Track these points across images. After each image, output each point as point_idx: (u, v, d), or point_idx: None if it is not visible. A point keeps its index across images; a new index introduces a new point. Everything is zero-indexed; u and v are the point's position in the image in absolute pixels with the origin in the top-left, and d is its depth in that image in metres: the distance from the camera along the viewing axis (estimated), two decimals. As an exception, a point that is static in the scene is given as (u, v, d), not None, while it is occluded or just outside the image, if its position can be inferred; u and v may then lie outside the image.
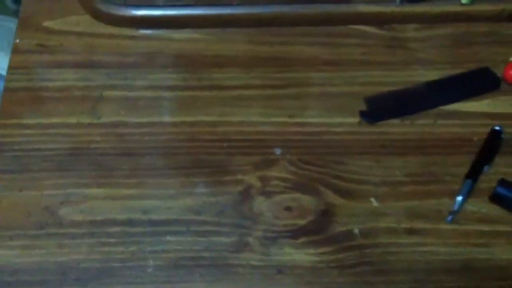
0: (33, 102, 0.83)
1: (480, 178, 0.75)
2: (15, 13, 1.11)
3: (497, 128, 0.78)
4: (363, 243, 0.71)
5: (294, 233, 0.71)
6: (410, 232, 0.72)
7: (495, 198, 0.73)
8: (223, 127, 0.80)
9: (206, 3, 0.91)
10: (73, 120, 0.81)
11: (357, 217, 0.73)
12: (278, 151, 0.78)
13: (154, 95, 0.85)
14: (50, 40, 0.90)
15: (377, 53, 0.88)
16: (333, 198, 0.74)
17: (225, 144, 0.79)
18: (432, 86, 0.84)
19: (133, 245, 0.70)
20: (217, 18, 0.91)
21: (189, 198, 0.74)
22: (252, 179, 0.75)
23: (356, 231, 0.71)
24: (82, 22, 0.92)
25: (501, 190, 0.72)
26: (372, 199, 0.74)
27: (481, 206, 0.73)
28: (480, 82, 0.84)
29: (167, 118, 0.82)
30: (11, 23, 1.14)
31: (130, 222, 0.71)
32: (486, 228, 0.72)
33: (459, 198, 0.73)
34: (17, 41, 0.89)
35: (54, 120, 0.81)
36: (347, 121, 0.81)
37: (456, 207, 0.73)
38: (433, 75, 0.85)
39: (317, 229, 0.72)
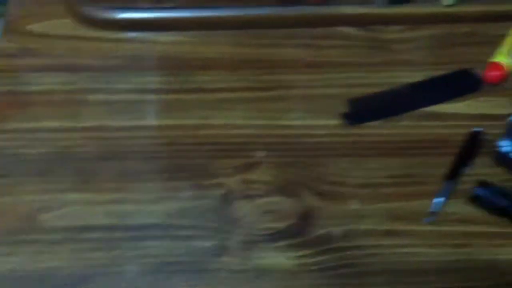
0: (16, 106, 0.83)
1: (460, 179, 0.75)
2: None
3: (477, 129, 0.79)
4: (344, 245, 0.71)
5: (274, 237, 0.72)
6: (391, 233, 0.72)
7: (475, 199, 0.73)
8: (206, 130, 0.81)
9: (190, 5, 0.91)
10: (55, 124, 0.81)
11: (337, 219, 0.73)
12: (259, 154, 0.78)
13: (137, 98, 0.85)
14: (34, 43, 0.90)
15: (360, 54, 0.88)
16: (314, 200, 0.74)
17: (207, 148, 0.79)
18: (414, 87, 0.84)
19: (113, 250, 0.70)
20: (201, 20, 0.91)
21: (170, 203, 0.74)
22: (233, 182, 0.75)
23: (335, 233, 0.72)
24: (66, 25, 0.92)
25: (480, 191, 0.73)
26: (353, 201, 0.74)
27: (461, 207, 0.74)
28: (462, 84, 0.85)
29: (149, 122, 0.82)
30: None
31: (110, 228, 0.71)
32: (465, 229, 0.72)
33: (439, 200, 0.73)
34: (1, 44, 0.89)
35: (36, 124, 0.81)
36: (329, 123, 0.81)
37: (436, 208, 0.73)
38: (415, 76, 0.85)
39: (298, 232, 0.72)
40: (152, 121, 0.82)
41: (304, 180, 0.76)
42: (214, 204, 0.74)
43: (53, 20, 0.92)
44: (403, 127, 0.81)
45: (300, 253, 0.70)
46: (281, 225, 0.72)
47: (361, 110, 0.82)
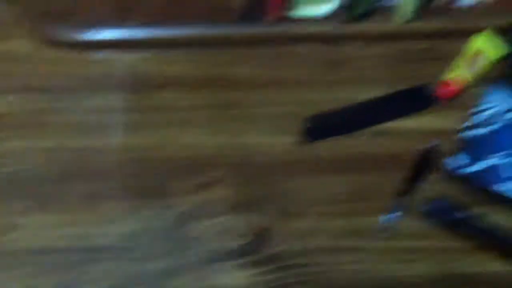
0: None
1: (413, 195, 0.77)
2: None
3: (430, 145, 0.81)
4: (299, 262, 0.73)
5: (231, 255, 0.73)
6: (345, 250, 0.74)
7: (426, 215, 0.75)
8: (164, 149, 0.82)
9: (151, 25, 0.92)
10: (15, 143, 0.82)
11: (293, 236, 0.74)
12: (214, 173, 0.79)
13: (98, 118, 0.85)
14: (-5, 64, 0.90)
15: (318, 72, 0.89)
16: (269, 218, 0.76)
17: (164, 167, 0.80)
18: (370, 104, 0.86)
19: (68, 273, 0.70)
20: (162, 39, 0.92)
21: (126, 224, 0.75)
22: (189, 202, 0.77)
23: (289, 250, 0.73)
24: (28, 45, 0.92)
25: (432, 207, 0.75)
26: (308, 218, 0.76)
27: (413, 222, 0.75)
28: (416, 100, 0.86)
29: (108, 142, 0.83)
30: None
31: (66, 250, 0.72)
32: (418, 244, 0.74)
33: (392, 215, 0.75)
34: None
35: (-4, 145, 0.82)
36: (287, 141, 0.83)
37: (389, 224, 0.74)
38: (372, 93, 0.87)
39: (253, 250, 0.73)
40: (111, 141, 0.83)
41: (260, 198, 0.77)
42: (169, 224, 0.75)
43: (15, 40, 0.92)
44: (358, 144, 0.82)
45: (256, 271, 0.72)
46: (236, 243, 0.74)
47: (319, 128, 0.84)
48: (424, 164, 0.79)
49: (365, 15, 0.90)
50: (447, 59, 0.89)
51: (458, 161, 0.79)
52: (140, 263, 0.71)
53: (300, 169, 0.80)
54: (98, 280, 0.70)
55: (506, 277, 0.73)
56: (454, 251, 0.74)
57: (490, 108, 0.84)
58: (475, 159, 0.79)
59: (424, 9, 0.91)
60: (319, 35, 0.91)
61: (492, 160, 0.79)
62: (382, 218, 0.75)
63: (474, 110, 0.84)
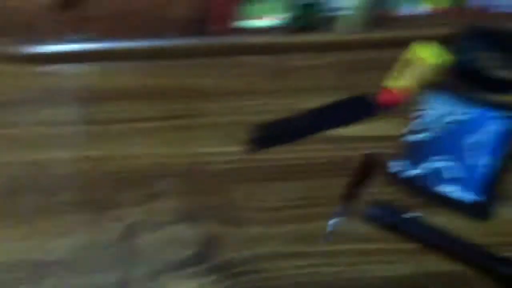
0: None
1: (356, 200, 0.79)
2: None
3: (372, 151, 0.83)
4: (248, 269, 0.74)
5: (179, 265, 0.73)
6: (292, 255, 0.75)
7: (369, 218, 0.77)
8: (113, 161, 0.82)
9: (102, 37, 0.93)
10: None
11: (242, 244, 0.75)
12: (161, 184, 0.80)
13: (47, 131, 0.86)
14: None
15: (266, 82, 0.92)
16: (218, 227, 0.77)
17: (113, 179, 0.80)
18: (316, 113, 0.88)
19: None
20: (113, 52, 0.93)
21: (74, 237, 0.75)
22: (135, 214, 0.77)
23: (237, 258, 0.74)
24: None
25: (374, 211, 0.77)
26: (257, 225, 0.77)
27: (357, 226, 0.77)
28: (360, 108, 0.89)
29: (58, 155, 0.83)
30: None
31: (13, 265, 0.71)
32: (362, 247, 0.76)
33: (336, 220, 0.77)
34: None
35: None
36: (235, 150, 0.84)
37: (333, 228, 0.76)
38: (317, 102, 0.89)
39: (202, 259, 0.74)
40: (61, 154, 0.83)
41: (207, 207, 0.78)
42: (119, 236, 0.75)
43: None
44: (304, 151, 0.84)
45: (207, 280, 0.72)
46: (186, 253, 0.74)
47: (266, 136, 0.85)
48: (368, 169, 0.82)
49: (310, 26, 0.93)
50: (390, 67, 0.92)
51: (400, 165, 0.82)
52: (89, 276, 0.71)
53: (248, 177, 0.81)
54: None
55: (450, 276, 0.75)
56: (400, 252, 0.76)
57: (431, 113, 0.87)
58: (417, 163, 0.82)
59: (368, 20, 0.94)
60: (266, 46, 0.94)
61: (434, 163, 0.82)
62: (329, 223, 0.77)
63: (415, 116, 0.87)
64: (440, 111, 0.87)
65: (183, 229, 0.76)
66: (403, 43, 0.93)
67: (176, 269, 0.73)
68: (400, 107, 0.88)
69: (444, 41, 0.93)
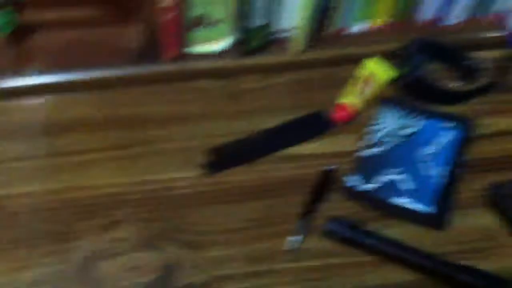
0: None
1: (314, 216, 0.80)
2: None
3: (328, 167, 0.84)
4: (209, 291, 0.74)
5: (139, 292, 0.73)
6: (250, 275, 0.75)
7: (328, 233, 0.78)
8: (68, 193, 0.82)
9: (50, 70, 0.92)
10: None
11: (201, 267, 0.76)
12: (119, 212, 0.80)
13: (3, 167, 0.85)
14: None
15: (218, 105, 0.92)
16: (175, 252, 0.77)
17: (70, 211, 0.80)
18: (270, 133, 0.89)
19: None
20: (63, 84, 0.93)
21: (33, 270, 0.74)
22: (93, 243, 0.77)
23: (197, 281, 0.74)
24: None
25: (332, 226, 0.78)
26: (215, 248, 0.77)
27: (316, 242, 0.78)
28: (314, 125, 0.90)
29: (12, 189, 0.82)
30: None
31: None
32: (322, 262, 0.77)
33: (295, 238, 0.77)
34: None
35: None
36: (191, 175, 0.84)
37: (293, 246, 0.77)
38: (271, 122, 0.90)
39: (162, 285, 0.74)
40: (15, 189, 0.83)
41: (167, 232, 0.78)
42: (77, 266, 0.75)
43: None
44: (261, 171, 0.85)
45: (166, 305, 0.73)
46: (145, 279, 0.74)
47: (221, 159, 0.86)
48: (324, 185, 0.83)
49: (260, 49, 0.94)
50: (341, 84, 0.94)
51: (356, 180, 0.83)
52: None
53: (206, 200, 0.82)
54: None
55: (410, 286, 0.76)
56: (359, 266, 0.77)
57: (383, 127, 0.88)
58: (371, 177, 0.83)
59: (317, 39, 0.96)
60: (217, 70, 0.95)
61: (388, 176, 0.83)
62: (288, 241, 0.77)
63: (368, 130, 0.88)
64: (392, 124, 0.89)
65: (143, 255, 0.76)
66: (354, 60, 0.95)
67: (136, 297, 0.73)
68: (354, 122, 0.90)
69: (393, 55, 0.95)
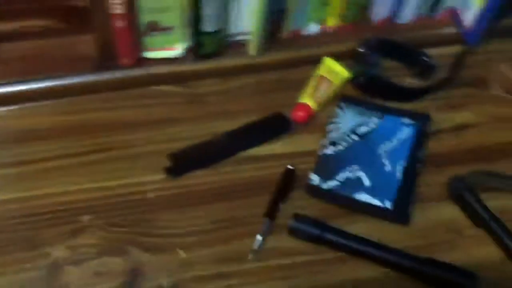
0: None
1: (278, 215, 0.80)
2: None
3: (289, 166, 0.84)
4: (177, 294, 0.73)
5: (106, 297, 0.72)
6: (218, 277, 0.75)
7: (292, 232, 0.78)
8: (31, 201, 0.81)
9: (12, 80, 0.91)
10: None
11: (166, 270, 0.75)
12: (85, 218, 0.79)
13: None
14: None
15: (178, 110, 0.92)
16: (141, 255, 0.76)
17: (33, 219, 0.79)
18: (231, 135, 0.89)
19: None
20: (24, 94, 0.92)
21: (2, 279, 0.73)
22: (60, 250, 0.76)
23: (164, 284, 0.74)
24: None
25: (296, 224, 0.78)
26: (180, 251, 0.77)
27: (282, 241, 0.78)
28: (275, 126, 0.91)
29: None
30: None
31: None
32: (289, 261, 0.77)
33: (259, 237, 0.77)
34: None
35: None
36: (152, 179, 0.84)
37: (257, 246, 0.77)
38: (232, 124, 0.90)
39: (130, 288, 0.73)
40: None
41: (131, 237, 0.78)
42: (43, 274, 0.74)
43: None
44: (223, 173, 0.85)
45: (133, 309, 0.72)
46: (111, 284, 0.74)
47: (183, 163, 0.86)
48: (288, 184, 0.83)
49: (216, 53, 0.94)
50: (299, 85, 0.95)
51: (317, 178, 0.84)
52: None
53: (171, 204, 0.81)
54: None
55: (377, 281, 0.77)
56: (326, 263, 0.77)
57: (342, 126, 0.89)
58: (334, 174, 0.84)
59: (272, 41, 0.97)
60: (176, 74, 0.95)
61: (350, 173, 0.84)
62: (254, 241, 0.77)
63: (329, 129, 0.89)
64: (351, 122, 0.90)
65: (106, 262, 0.75)
66: (310, 61, 0.97)
67: (103, 303, 0.72)
68: (315, 122, 0.91)
69: (350, 55, 0.96)
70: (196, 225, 0.80)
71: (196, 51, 0.93)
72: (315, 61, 0.96)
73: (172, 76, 0.94)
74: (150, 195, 0.82)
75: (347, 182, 0.84)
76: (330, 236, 0.77)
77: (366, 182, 0.84)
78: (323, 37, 0.99)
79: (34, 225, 0.78)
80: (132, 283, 0.74)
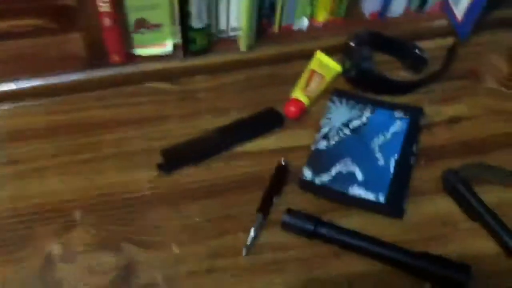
0: None
1: (271, 210, 0.80)
2: None
3: (282, 162, 0.84)
4: (170, 288, 0.73)
5: (101, 292, 0.72)
6: (211, 271, 0.75)
7: (285, 226, 0.78)
8: (23, 200, 0.80)
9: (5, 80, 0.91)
10: None
11: (159, 266, 0.75)
12: (78, 215, 0.79)
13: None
14: None
15: (170, 107, 0.92)
16: (135, 252, 0.76)
17: (25, 218, 0.78)
18: (223, 131, 0.89)
19: None
20: (11, 93, 0.91)
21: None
22: (53, 247, 0.76)
23: (158, 279, 0.73)
24: None
25: (288, 219, 0.77)
26: (173, 247, 0.76)
27: (275, 235, 0.78)
28: (266, 121, 0.90)
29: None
30: None
31: None
32: (281, 256, 0.77)
33: (252, 232, 0.77)
34: None
35: None
36: (145, 176, 0.83)
37: (250, 241, 0.77)
38: (224, 120, 0.90)
39: (122, 284, 0.73)
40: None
41: (124, 233, 0.77)
42: (36, 271, 0.74)
43: None
44: (216, 169, 0.85)
45: (126, 305, 0.71)
46: (105, 280, 0.73)
47: (175, 159, 0.85)
48: (281, 178, 0.83)
49: (205, 49, 0.94)
50: (291, 80, 0.94)
51: (310, 173, 0.83)
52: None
53: (163, 200, 0.81)
54: None
55: (371, 275, 0.76)
56: (319, 257, 0.77)
57: (334, 120, 0.89)
58: (327, 169, 0.84)
59: (263, 37, 0.96)
60: (166, 71, 0.94)
61: (343, 168, 0.84)
62: (246, 236, 0.77)
63: (321, 123, 0.89)
64: (343, 116, 0.89)
65: (99, 257, 0.75)
66: (302, 56, 0.96)
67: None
68: (307, 116, 0.90)
69: (342, 49, 0.96)
70: (188, 221, 0.79)
71: (186, 48, 0.93)
72: (306, 56, 0.96)
73: (163, 73, 0.94)
74: (143, 191, 0.82)
75: (340, 177, 0.83)
76: (323, 231, 0.77)
77: (359, 176, 0.83)
78: (313, 32, 0.99)
79: (27, 223, 0.78)
80: (126, 278, 0.74)
